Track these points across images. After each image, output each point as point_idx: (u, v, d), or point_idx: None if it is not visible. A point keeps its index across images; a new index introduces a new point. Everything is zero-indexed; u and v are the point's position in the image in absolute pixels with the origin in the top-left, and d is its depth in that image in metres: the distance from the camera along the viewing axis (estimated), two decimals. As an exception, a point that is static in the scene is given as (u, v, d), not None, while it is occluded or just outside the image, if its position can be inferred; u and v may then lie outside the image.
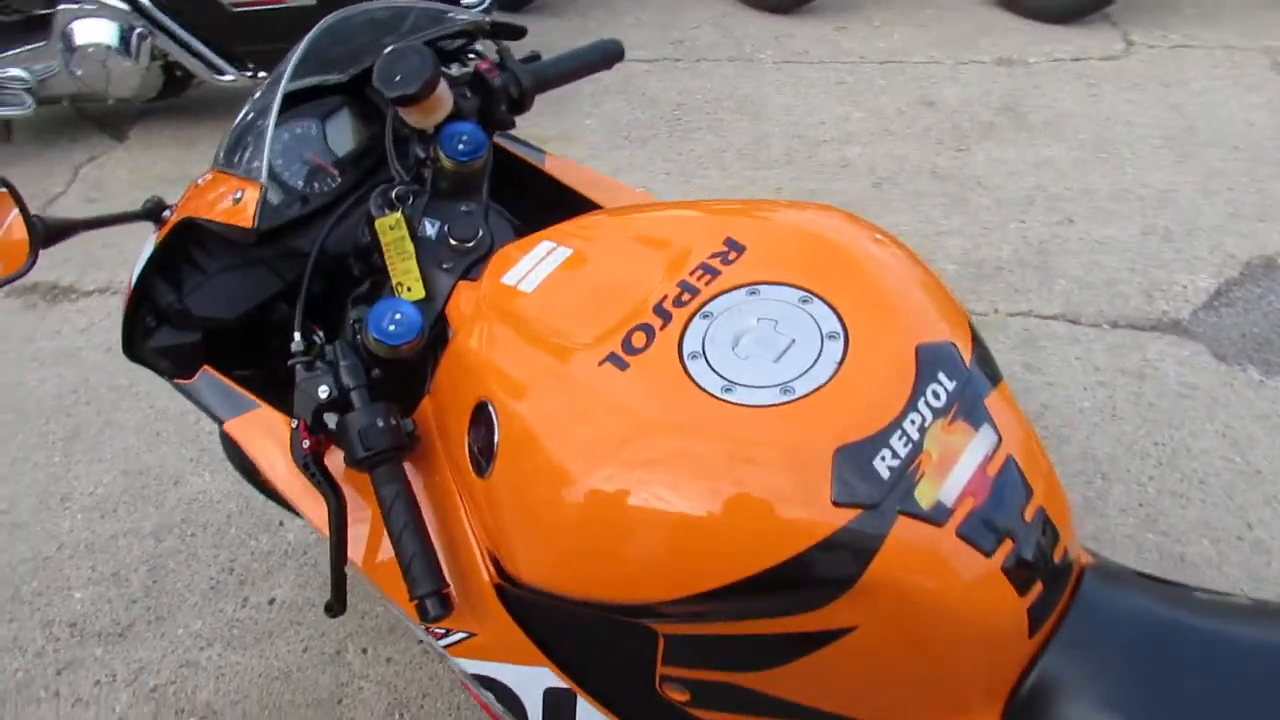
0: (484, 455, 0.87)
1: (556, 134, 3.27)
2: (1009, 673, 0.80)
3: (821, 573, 0.73)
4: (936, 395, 0.78)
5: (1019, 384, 2.26)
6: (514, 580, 0.87)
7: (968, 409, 0.78)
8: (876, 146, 3.15)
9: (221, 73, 3.12)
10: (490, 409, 0.87)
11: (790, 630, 0.78)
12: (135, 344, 1.10)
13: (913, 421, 0.76)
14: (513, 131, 1.30)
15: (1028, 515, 0.77)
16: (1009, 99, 3.39)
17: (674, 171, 3.07)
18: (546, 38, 3.78)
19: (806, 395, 0.77)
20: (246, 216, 1.00)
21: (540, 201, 1.26)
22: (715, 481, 0.74)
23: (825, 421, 0.75)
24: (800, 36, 3.85)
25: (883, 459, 0.74)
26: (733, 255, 0.89)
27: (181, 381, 1.12)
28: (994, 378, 0.83)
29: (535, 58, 1.29)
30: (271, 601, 1.89)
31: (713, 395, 0.78)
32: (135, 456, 2.17)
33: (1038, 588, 0.77)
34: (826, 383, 0.77)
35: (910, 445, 0.75)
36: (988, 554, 0.75)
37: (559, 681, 0.94)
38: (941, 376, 0.79)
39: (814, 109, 3.37)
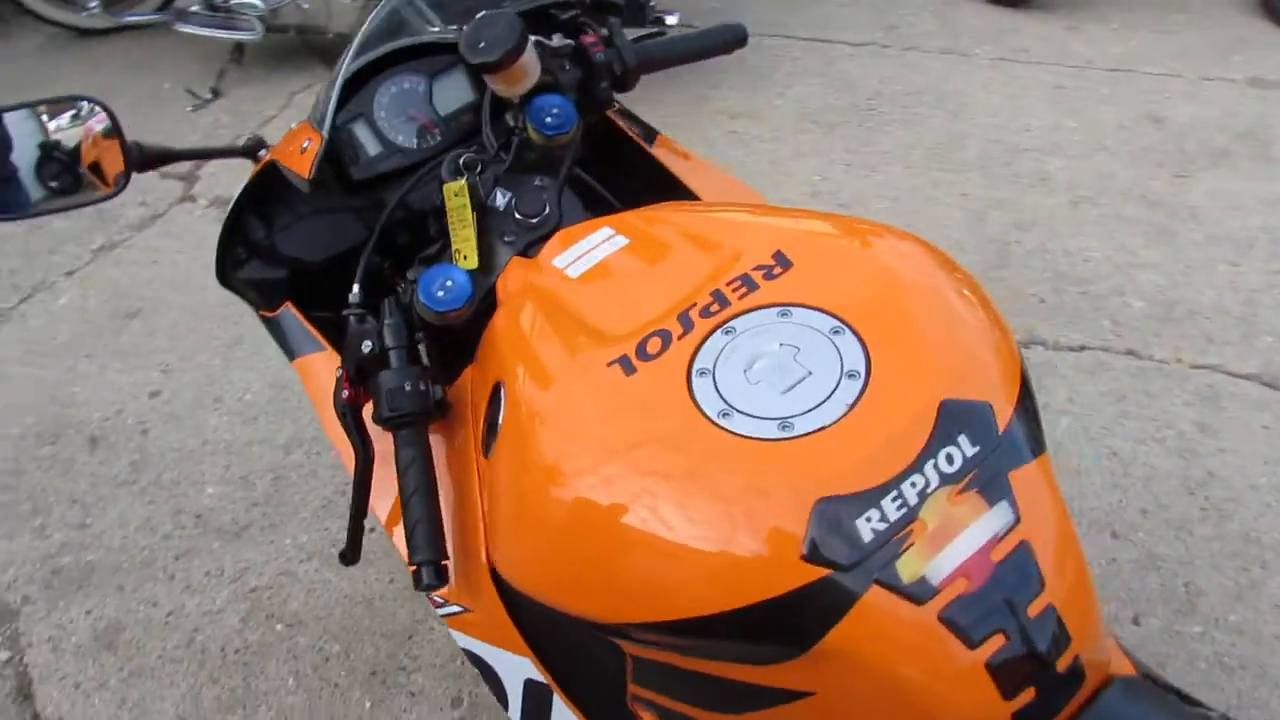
0: (490, 435, 0.85)
1: (743, 110, 3.20)
2: (987, 778, 0.71)
3: (778, 629, 0.67)
4: (950, 459, 0.69)
5: (1183, 444, 2.03)
6: (493, 568, 0.86)
7: (986, 480, 0.69)
8: (1084, 161, 2.90)
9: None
10: (501, 390, 0.85)
11: (749, 680, 0.73)
12: (227, 272, 1.15)
13: (914, 484, 0.68)
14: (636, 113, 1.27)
15: (1032, 611, 0.68)
16: (1254, 125, 3.03)
17: (855, 163, 2.94)
18: (752, 11, 3.71)
19: (804, 435, 0.70)
20: (305, 167, 1.02)
21: (645, 183, 1.23)
22: (686, 510, 0.69)
23: (814, 467, 0.69)
24: (1025, 33, 3.59)
25: (868, 520, 0.67)
26: (777, 270, 0.82)
27: (265, 314, 1.17)
28: (1034, 449, 0.74)
29: (659, 33, 1.24)
30: (372, 530, 1.96)
31: (708, 418, 0.73)
32: (282, 372, 2.31)
33: (1029, 694, 0.68)
34: (830, 425, 0.70)
35: (904, 510, 0.67)
36: (972, 645, 0.66)
37: (539, 675, 0.92)
38: (962, 439, 0.70)
39: (1022, 113, 3.14)
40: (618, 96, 1.22)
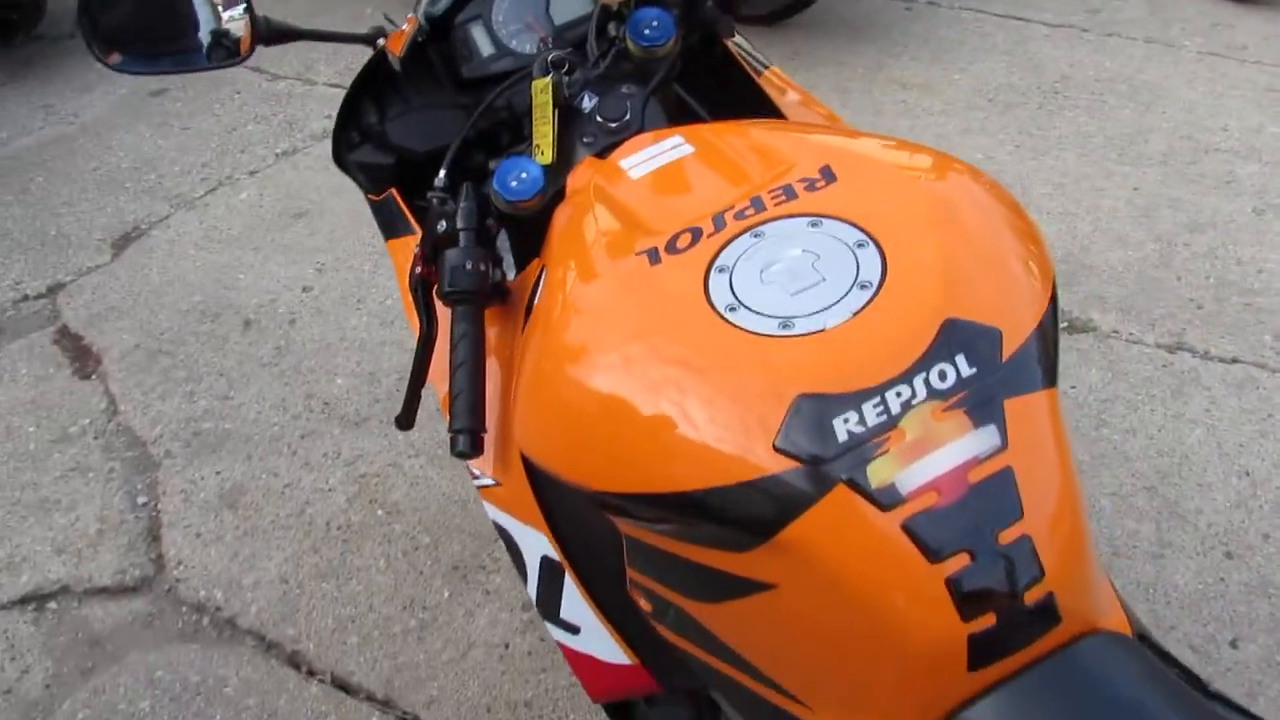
0: (526, 317, 0.89)
1: (918, 82, 3.11)
2: (942, 701, 0.70)
3: (743, 514, 0.68)
4: (943, 376, 0.68)
5: None
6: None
7: (977, 402, 0.68)
8: (1281, 169, 2.68)
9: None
10: (542, 275, 0.89)
11: (722, 567, 0.74)
12: (340, 154, 1.24)
13: (899, 394, 0.67)
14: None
15: (1004, 538, 0.66)
16: None
17: (1025, 145, 2.81)
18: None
19: (801, 335, 0.71)
20: (400, 46, 1.07)
21: (752, 113, 1.23)
22: (672, 389, 0.71)
23: (803, 365, 0.69)
24: (1244, 29, 3.32)
25: (845, 420, 0.67)
26: (820, 184, 0.82)
27: (372, 197, 1.25)
28: (1042, 383, 0.71)
29: None
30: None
31: (715, 310, 0.74)
32: (421, 282, 2.44)
33: (989, 619, 0.66)
34: (829, 328, 0.71)
35: (884, 417, 0.67)
36: (933, 560, 0.66)
37: (554, 554, 0.96)
38: (960, 359, 0.69)
39: (1221, 112, 2.91)
40: (740, 31, 1.23)
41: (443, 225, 1.00)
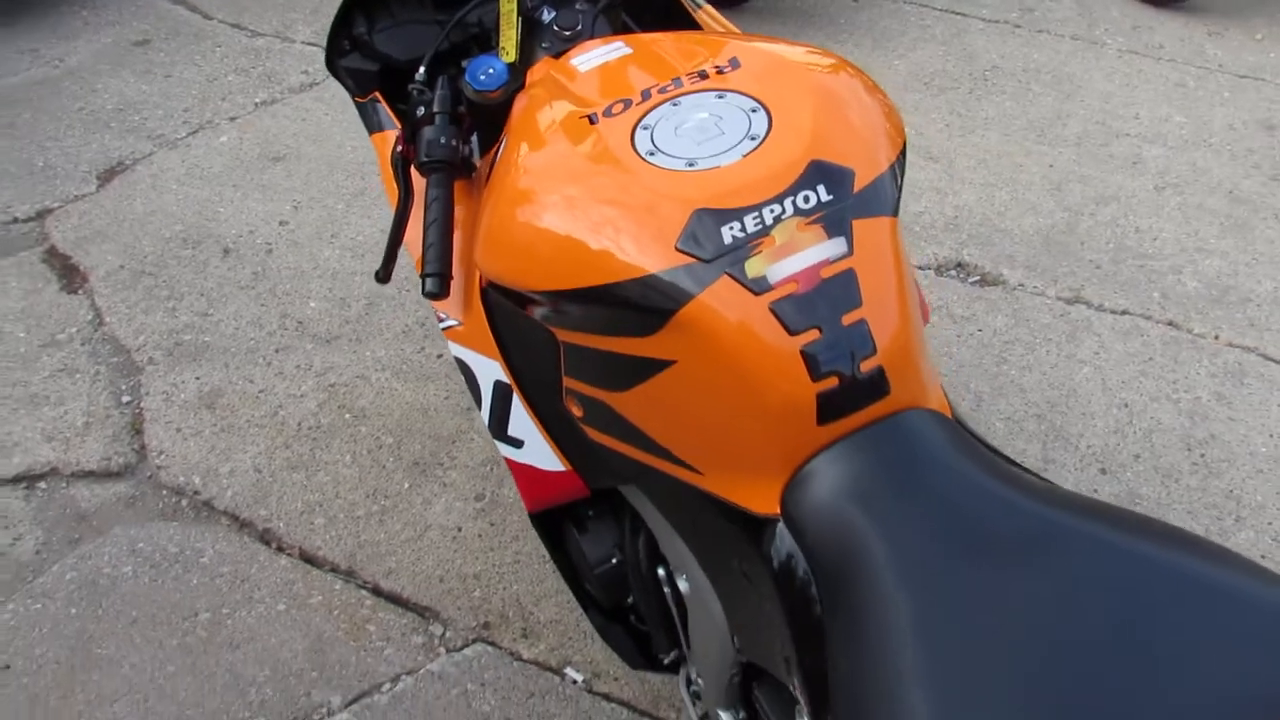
0: (488, 173, 1.10)
1: (860, 65, 3.34)
2: (796, 451, 0.91)
3: (650, 300, 0.89)
4: (807, 199, 0.89)
5: (1196, 408, 2.12)
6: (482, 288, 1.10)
7: (832, 220, 0.89)
8: (1182, 154, 2.94)
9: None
10: (503, 142, 1.09)
11: (633, 353, 0.95)
12: (332, 60, 1.43)
13: (772, 210, 0.89)
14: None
15: (845, 320, 0.88)
16: (1372, 146, 3.00)
17: (953, 125, 3.06)
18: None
19: (702, 170, 0.92)
20: None
21: None
22: (602, 209, 0.92)
23: (701, 189, 0.90)
24: (1163, 32, 3.60)
25: (730, 228, 0.88)
26: (727, 69, 1.04)
27: (358, 99, 1.44)
28: (886, 212, 0.93)
29: None
30: (439, 357, 2.25)
31: (638, 153, 0.95)
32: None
33: (832, 381, 0.88)
34: (722, 166, 0.92)
35: (760, 226, 0.88)
36: (791, 333, 0.87)
37: (504, 377, 1.16)
38: (821, 188, 0.90)
39: (1134, 103, 3.18)
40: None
41: (421, 110, 1.20)
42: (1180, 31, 3.61)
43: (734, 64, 1.04)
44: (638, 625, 1.42)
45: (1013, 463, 0.97)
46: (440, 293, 1.12)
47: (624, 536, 1.30)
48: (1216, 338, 2.31)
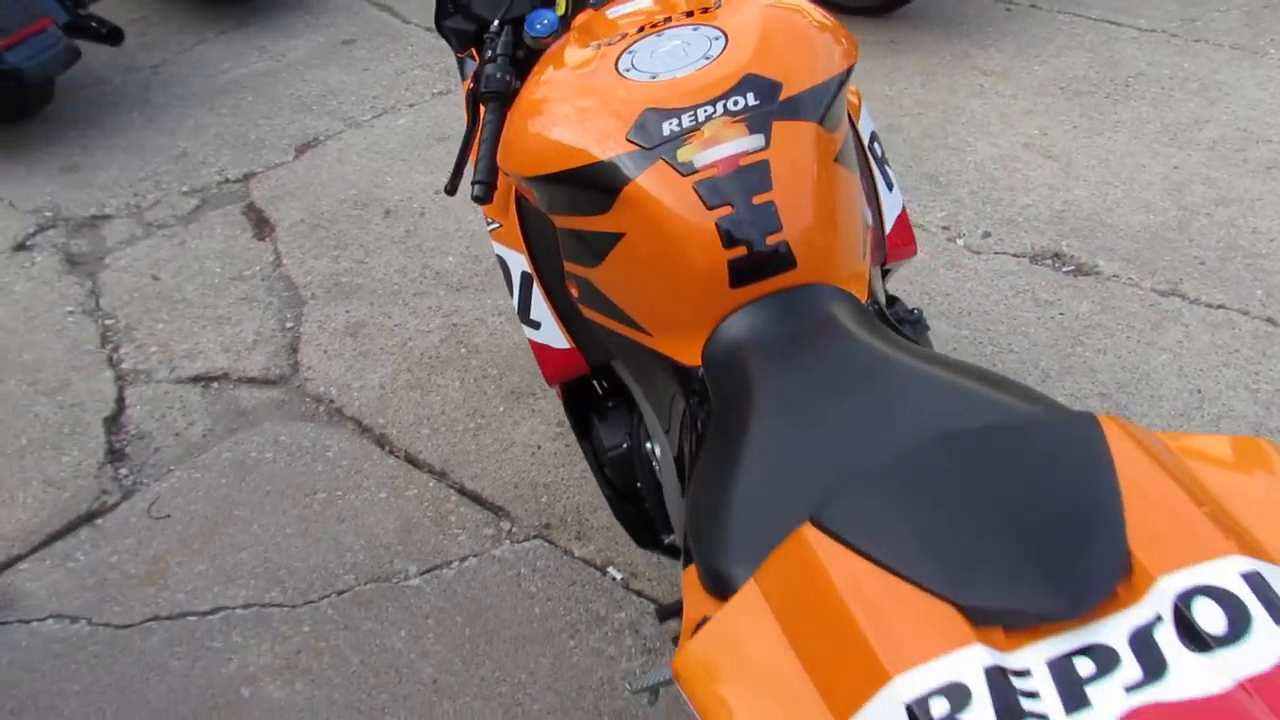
0: None
1: (997, 69, 3.41)
2: (714, 310, 1.10)
3: (604, 180, 1.11)
4: (736, 103, 1.09)
5: (1274, 400, 2.10)
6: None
7: (755, 121, 1.09)
8: (1327, 161, 2.84)
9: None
10: (535, 70, 1.34)
11: (596, 229, 1.17)
12: (440, 21, 1.73)
13: (705, 110, 1.09)
14: None
15: (756, 200, 1.07)
16: None
17: (1081, 127, 3.08)
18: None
19: (661, 80, 1.13)
20: None
21: None
22: (580, 111, 1.15)
23: (653, 94, 1.12)
24: (1338, 43, 3.45)
25: (669, 123, 1.09)
26: (712, 9, 1.25)
27: (459, 55, 1.73)
28: (808, 118, 1.10)
29: None
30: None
31: (618, 70, 1.18)
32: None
33: (741, 250, 1.07)
34: (677, 78, 1.13)
35: (694, 122, 1.09)
36: (708, 208, 1.07)
37: (528, 268, 1.41)
38: (750, 95, 1.10)
39: (1285, 110, 3.09)
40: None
41: (489, 54, 1.47)
42: (1358, 43, 3.45)
43: (718, 4, 1.25)
44: (645, 509, 1.62)
45: (911, 340, 1.12)
46: (485, 198, 1.37)
47: (633, 425, 1.51)
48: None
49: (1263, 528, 0.71)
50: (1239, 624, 0.63)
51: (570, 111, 1.17)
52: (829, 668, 0.70)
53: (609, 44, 1.24)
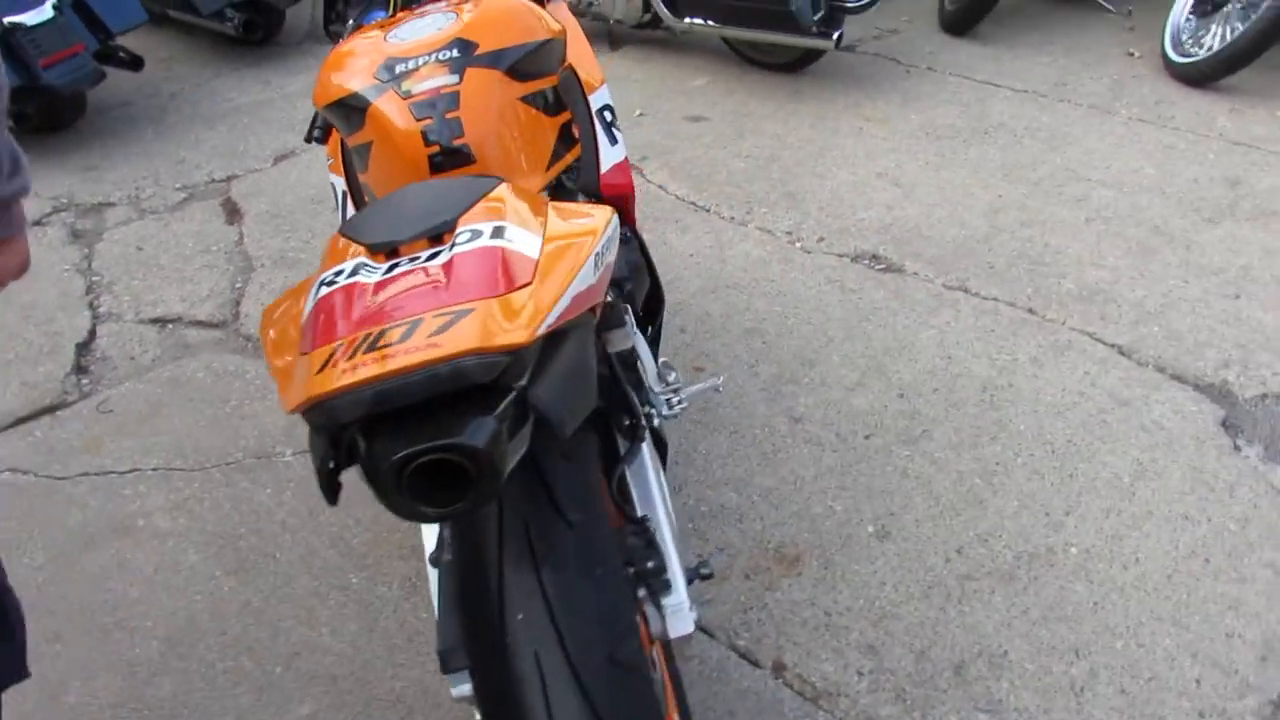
0: None
1: (879, 117, 3.94)
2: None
3: (358, 104, 1.65)
4: (444, 55, 1.64)
5: (1009, 365, 2.55)
6: None
7: (454, 65, 1.62)
8: (1130, 197, 3.31)
9: (679, 18, 4.33)
10: None
11: (358, 141, 1.70)
12: (326, 25, 2.31)
13: (424, 59, 1.64)
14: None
15: (449, 116, 1.60)
16: (1337, 205, 3.23)
17: (932, 163, 3.58)
18: (962, 59, 4.38)
19: (404, 41, 1.69)
20: None
21: None
22: (350, 60, 1.70)
23: (396, 49, 1.67)
24: (1184, 106, 3.93)
25: (400, 66, 1.64)
26: (469, 5, 1.80)
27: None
28: (495, 66, 1.64)
29: None
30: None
31: (384, 38, 1.73)
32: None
33: (436, 148, 1.59)
34: (414, 40, 1.68)
35: (415, 65, 1.63)
36: (416, 119, 1.60)
37: (344, 188, 1.95)
38: (454, 49, 1.64)
39: (1112, 157, 3.57)
40: None
41: (337, 38, 2.05)
42: (1201, 106, 3.92)
43: (475, 4, 1.81)
44: None
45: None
46: (322, 140, 1.93)
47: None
48: (1064, 323, 2.71)
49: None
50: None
51: (348, 62, 1.72)
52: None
53: (395, 24, 1.80)
